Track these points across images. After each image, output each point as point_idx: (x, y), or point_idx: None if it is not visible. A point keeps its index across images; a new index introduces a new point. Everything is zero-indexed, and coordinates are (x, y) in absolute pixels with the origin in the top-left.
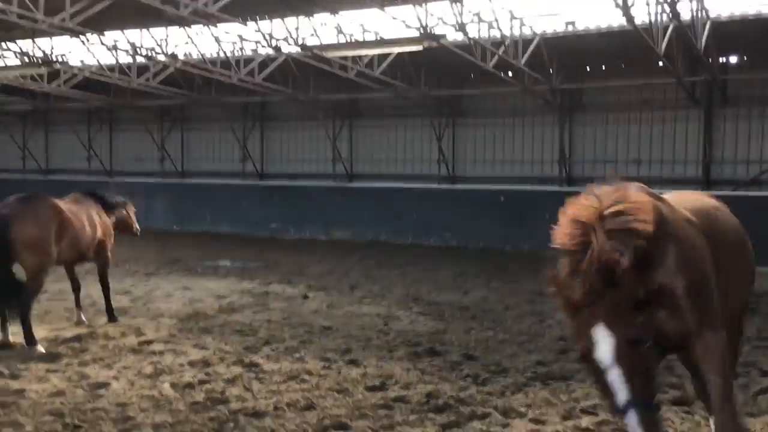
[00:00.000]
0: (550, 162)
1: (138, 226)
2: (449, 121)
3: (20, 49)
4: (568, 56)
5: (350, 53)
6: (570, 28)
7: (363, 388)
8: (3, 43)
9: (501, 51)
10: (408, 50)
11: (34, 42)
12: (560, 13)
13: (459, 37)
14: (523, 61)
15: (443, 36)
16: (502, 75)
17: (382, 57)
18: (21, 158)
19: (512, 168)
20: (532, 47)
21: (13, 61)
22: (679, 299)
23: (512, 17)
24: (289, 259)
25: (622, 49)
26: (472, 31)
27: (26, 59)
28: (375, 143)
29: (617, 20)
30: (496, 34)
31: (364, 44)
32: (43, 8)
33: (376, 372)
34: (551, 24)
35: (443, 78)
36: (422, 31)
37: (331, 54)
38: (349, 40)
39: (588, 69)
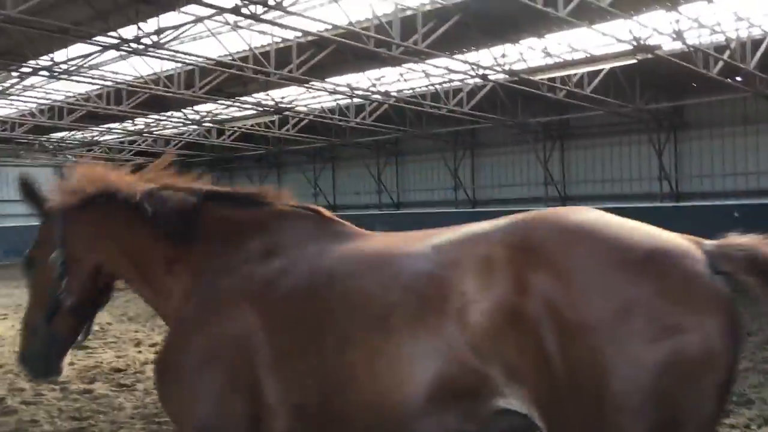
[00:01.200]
0: None
1: None
2: (670, 135)
3: (256, 100)
4: None
5: (559, 74)
6: None
7: None
8: (242, 97)
9: (726, 55)
10: (620, 65)
11: (267, 93)
12: None
13: (676, 45)
14: (753, 63)
15: (658, 47)
16: (729, 80)
17: (593, 74)
18: None
19: (746, 181)
20: (763, 47)
21: (250, 111)
22: None
23: (737, 18)
24: None
25: None
26: (691, 38)
27: (261, 109)
28: (588, 163)
29: None
30: (718, 38)
31: (573, 63)
32: (274, 63)
33: None
34: None
35: (660, 90)
36: (635, 44)
37: (539, 77)
38: (557, 61)
39: None
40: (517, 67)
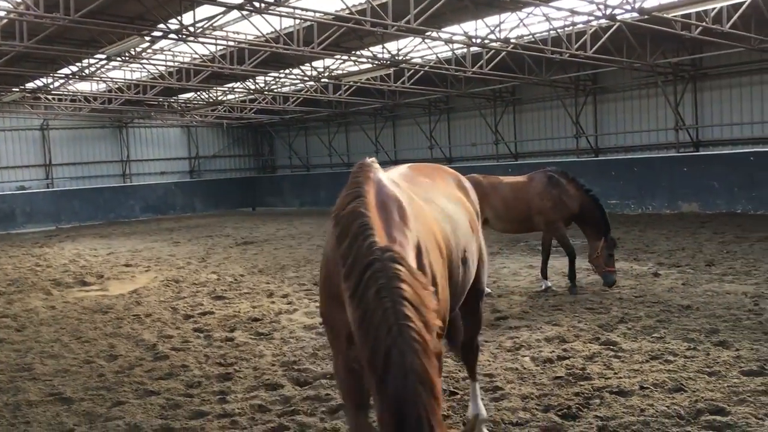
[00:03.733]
0: None
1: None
2: None
3: (372, 54)
4: None
5: (695, 9)
6: None
7: (738, 372)
8: (358, 51)
9: None
10: None
11: (383, 46)
12: None
13: None
14: None
15: None
16: None
17: (732, 8)
18: (374, 151)
19: None
20: None
21: (366, 66)
22: None
23: None
24: (632, 236)
25: None
26: None
27: (377, 63)
28: (725, 105)
29: None
30: None
31: None
32: (391, 14)
33: (752, 355)
34: None
35: None
36: None
37: (672, 14)
38: None
39: None
40: (648, 4)
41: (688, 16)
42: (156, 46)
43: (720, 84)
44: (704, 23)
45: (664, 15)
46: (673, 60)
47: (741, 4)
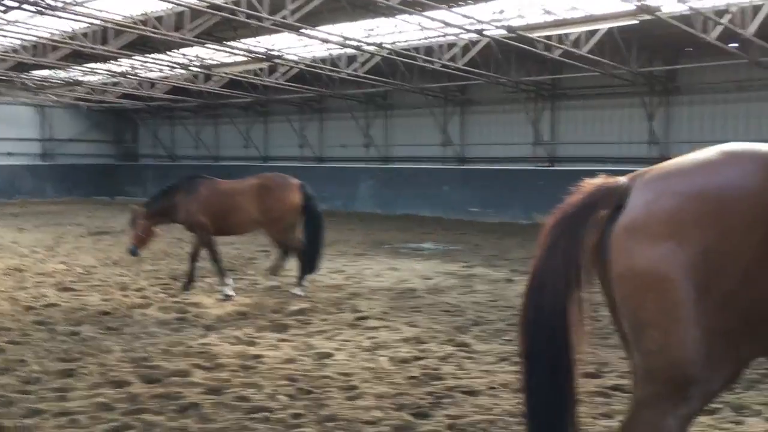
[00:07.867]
0: None
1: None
2: (662, 99)
3: (246, 46)
4: None
5: (558, 32)
6: None
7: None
8: (231, 42)
9: (726, 20)
10: (620, 25)
11: (257, 40)
12: None
13: (678, 8)
14: (752, 30)
15: (659, 8)
16: (726, 47)
17: (590, 34)
18: (243, 146)
19: None
20: (762, 14)
21: (239, 58)
22: None
23: None
24: (490, 243)
25: None
26: (694, 0)
27: (251, 56)
28: (579, 125)
29: None
30: (719, 2)
31: (573, 22)
32: (267, 8)
33: (590, 359)
34: None
35: (655, 53)
36: (638, 4)
37: (537, 34)
38: (556, 19)
39: None
40: (514, 23)
41: (550, 38)
42: (9, 17)
43: (575, 105)
44: (564, 46)
45: (529, 35)
46: (536, 78)
47: (597, 31)
